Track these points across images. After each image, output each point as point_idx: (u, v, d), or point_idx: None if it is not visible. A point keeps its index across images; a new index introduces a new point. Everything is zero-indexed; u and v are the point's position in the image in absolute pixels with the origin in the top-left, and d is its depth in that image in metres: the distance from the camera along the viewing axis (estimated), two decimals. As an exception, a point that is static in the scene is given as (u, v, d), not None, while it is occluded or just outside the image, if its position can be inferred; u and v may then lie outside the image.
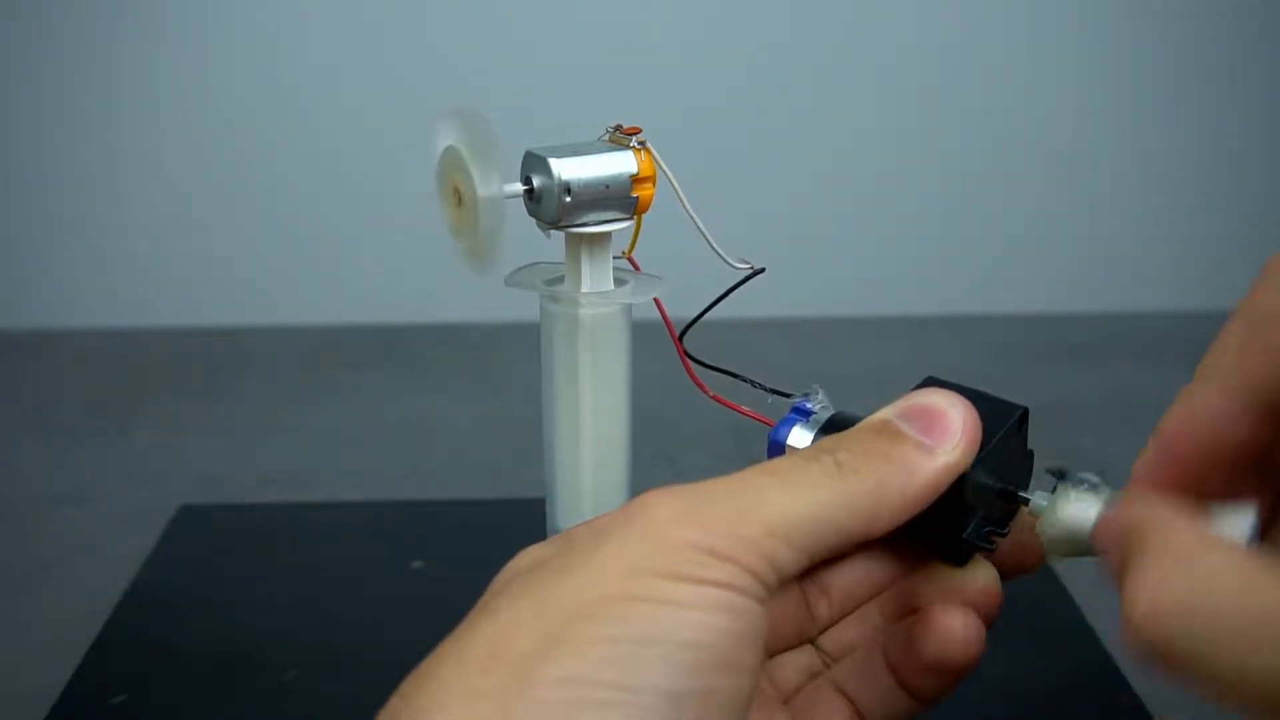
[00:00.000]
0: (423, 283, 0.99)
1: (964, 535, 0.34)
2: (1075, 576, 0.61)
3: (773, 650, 0.36)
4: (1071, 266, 1.04)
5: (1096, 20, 0.99)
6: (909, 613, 0.35)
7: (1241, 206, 1.03)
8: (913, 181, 1.02)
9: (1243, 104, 1.01)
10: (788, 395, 0.39)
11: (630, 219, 0.43)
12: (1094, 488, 0.33)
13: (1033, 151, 1.02)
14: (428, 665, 0.29)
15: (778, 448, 0.37)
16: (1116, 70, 1.00)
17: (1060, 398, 0.84)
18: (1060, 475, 0.34)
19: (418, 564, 0.63)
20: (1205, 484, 0.31)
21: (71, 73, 0.96)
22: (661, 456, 0.77)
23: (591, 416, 0.44)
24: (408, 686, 0.29)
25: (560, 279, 0.45)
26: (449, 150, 0.41)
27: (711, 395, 0.43)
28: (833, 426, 0.36)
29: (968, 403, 0.33)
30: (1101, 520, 0.32)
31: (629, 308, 0.44)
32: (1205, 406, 0.31)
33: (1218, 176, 1.02)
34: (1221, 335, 0.31)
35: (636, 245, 0.44)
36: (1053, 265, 1.04)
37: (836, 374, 0.85)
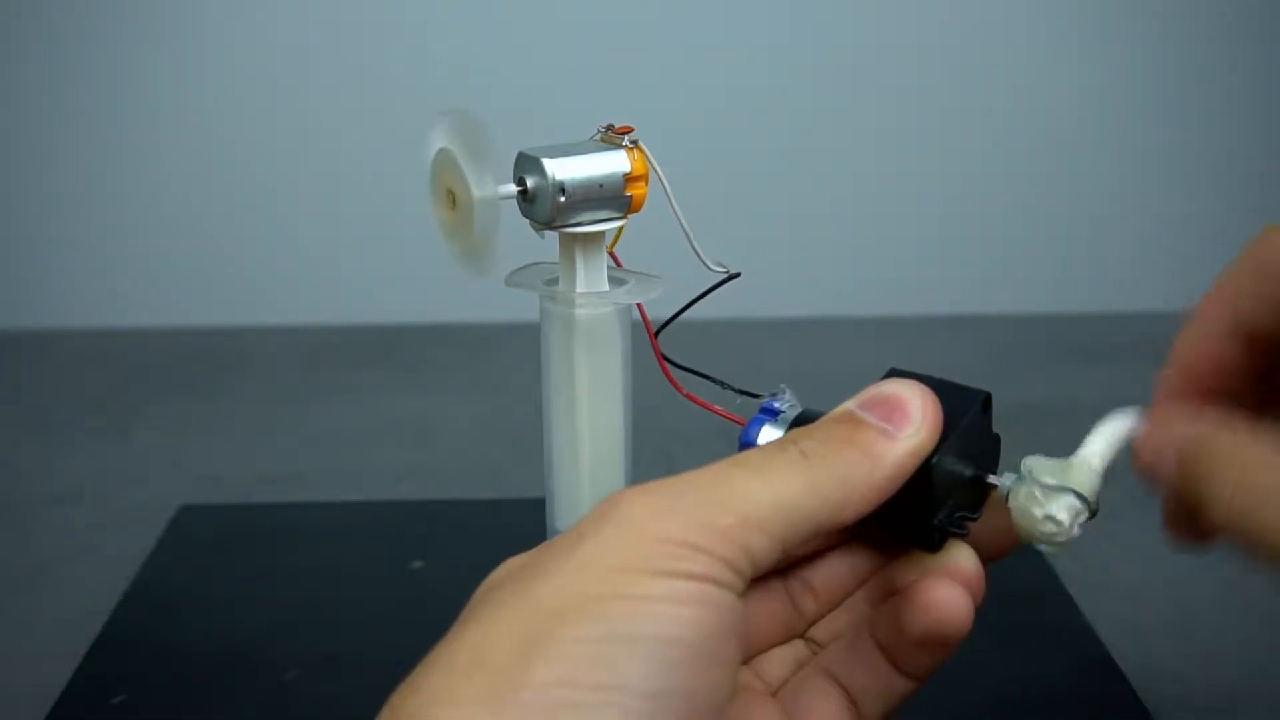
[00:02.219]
0: (423, 283, 0.99)
1: (935, 521, 0.34)
2: (1076, 576, 0.61)
3: (760, 648, 0.36)
4: (1071, 266, 1.04)
5: (1096, 20, 0.99)
6: (893, 594, 0.36)
7: (1242, 207, 1.03)
8: (912, 181, 1.02)
9: (1243, 104, 1.01)
10: (756, 395, 0.39)
11: (623, 218, 0.43)
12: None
13: (1032, 151, 1.02)
14: (415, 676, 0.29)
15: (749, 449, 0.37)
16: (1116, 70, 1.00)
17: (1060, 398, 0.84)
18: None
19: (418, 564, 0.63)
20: (1217, 397, 0.36)
21: (71, 73, 0.96)
22: (662, 457, 0.77)
23: (588, 416, 0.44)
24: (397, 698, 0.29)
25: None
26: (442, 152, 0.41)
27: (684, 393, 0.43)
28: (800, 424, 0.37)
29: (926, 388, 0.34)
30: (1142, 437, 0.36)
31: (627, 308, 0.44)
32: (1201, 333, 0.37)
33: (1218, 177, 1.02)
34: (1222, 274, 0.38)
35: (630, 246, 0.45)
36: (1053, 265, 1.04)
37: (836, 374, 0.85)
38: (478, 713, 0.27)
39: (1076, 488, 0.34)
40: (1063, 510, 0.34)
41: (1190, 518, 0.34)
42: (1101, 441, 0.36)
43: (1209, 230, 1.03)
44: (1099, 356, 0.94)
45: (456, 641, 0.29)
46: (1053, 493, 0.34)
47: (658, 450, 0.77)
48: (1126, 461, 0.36)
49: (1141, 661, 0.55)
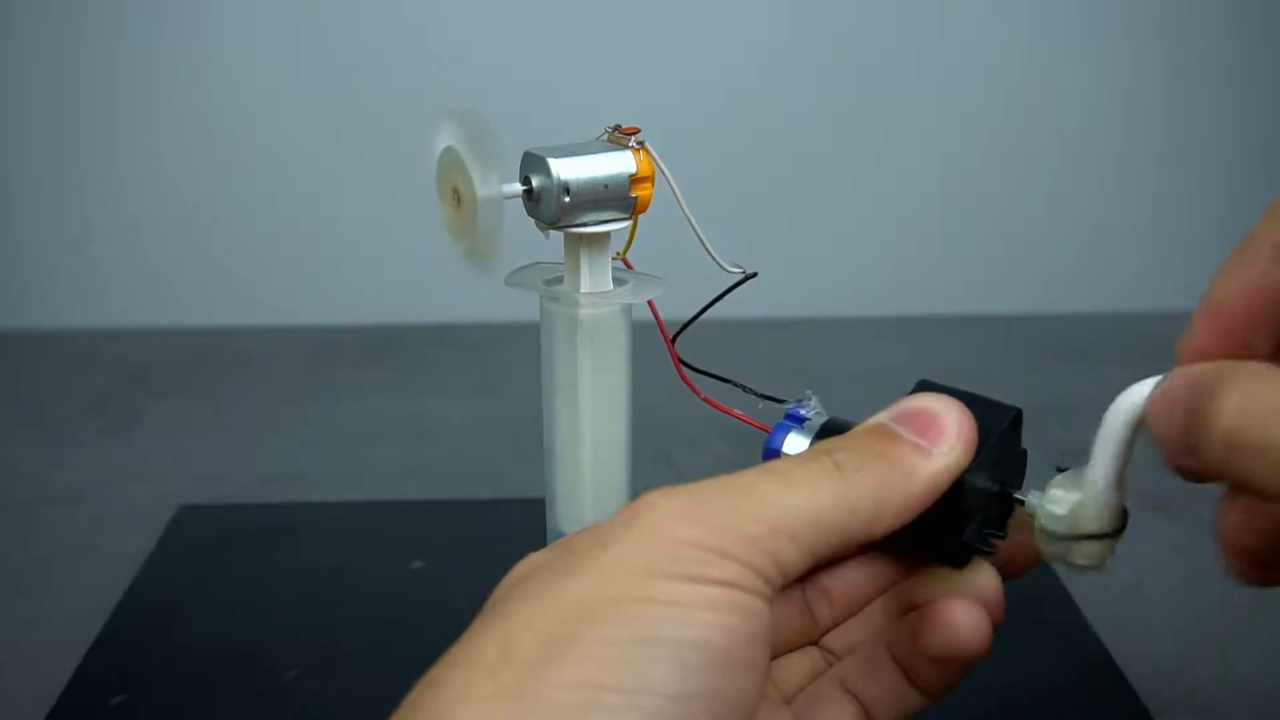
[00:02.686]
0: (423, 283, 0.99)
1: (963, 538, 0.34)
2: (1075, 576, 0.61)
3: (775, 653, 0.36)
4: (1071, 266, 1.04)
5: (1097, 20, 0.99)
6: (912, 609, 0.35)
7: (1242, 207, 1.02)
8: (912, 181, 1.02)
9: (1243, 104, 1.01)
10: (780, 401, 0.39)
11: (629, 219, 0.43)
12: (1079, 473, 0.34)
13: (1032, 152, 1.02)
14: (436, 671, 0.29)
15: (773, 455, 0.37)
16: (1117, 70, 1.00)
17: (1060, 398, 0.84)
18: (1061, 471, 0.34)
19: (418, 564, 0.63)
20: (1254, 349, 0.32)
21: (72, 73, 0.96)
22: (662, 457, 0.77)
23: (591, 417, 0.44)
24: (416, 694, 0.28)
25: (560, 279, 0.45)
26: (448, 151, 0.41)
27: (703, 398, 0.43)
28: (827, 433, 0.37)
29: (962, 405, 0.34)
30: (1159, 391, 0.31)
31: (629, 308, 0.44)
32: (1247, 265, 0.32)
33: (1218, 176, 1.02)
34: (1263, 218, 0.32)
35: (633, 245, 0.45)
36: (1053, 265, 1.04)
37: (836, 374, 0.86)
38: (501, 711, 0.27)
39: (1091, 529, 0.34)
40: (1087, 559, 0.34)
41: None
42: (1108, 447, 0.33)
43: (1209, 230, 1.03)
44: (1099, 356, 0.94)
45: (479, 637, 0.29)
46: (1071, 543, 0.34)
47: (657, 450, 0.77)
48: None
49: (1142, 661, 0.55)
